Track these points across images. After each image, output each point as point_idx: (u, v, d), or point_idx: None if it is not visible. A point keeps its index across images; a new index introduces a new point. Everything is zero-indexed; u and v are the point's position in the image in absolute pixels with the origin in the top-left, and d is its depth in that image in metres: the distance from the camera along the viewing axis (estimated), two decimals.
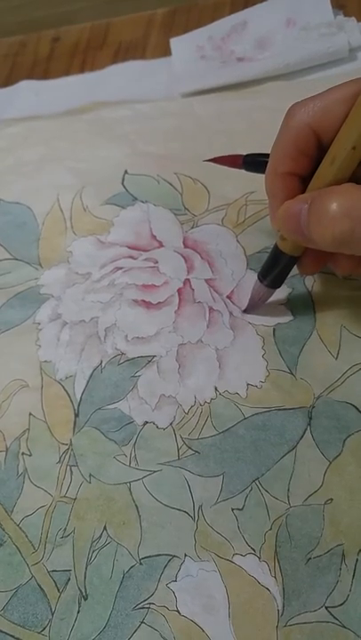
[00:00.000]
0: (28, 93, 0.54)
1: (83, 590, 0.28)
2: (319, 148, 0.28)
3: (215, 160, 0.36)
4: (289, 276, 0.34)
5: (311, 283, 0.35)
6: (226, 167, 0.37)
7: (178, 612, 0.26)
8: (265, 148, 0.42)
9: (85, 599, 0.27)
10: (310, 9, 0.48)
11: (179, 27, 0.55)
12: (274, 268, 0.31)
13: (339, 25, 0.47)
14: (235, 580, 0.27)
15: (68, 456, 0.32)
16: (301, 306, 0.34)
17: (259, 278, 0.32)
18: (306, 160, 0.28)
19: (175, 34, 0.54)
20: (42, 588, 0.28)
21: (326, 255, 0.29)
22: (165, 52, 0.53)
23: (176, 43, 0.52)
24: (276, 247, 0.30)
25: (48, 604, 0.28)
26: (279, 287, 0.32)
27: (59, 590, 0.28)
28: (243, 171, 0.36)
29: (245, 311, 0.34)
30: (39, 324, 0.37)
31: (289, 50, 0.47)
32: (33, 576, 0.28)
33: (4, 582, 0.29)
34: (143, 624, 0.26)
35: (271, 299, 0.34)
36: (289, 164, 0.28)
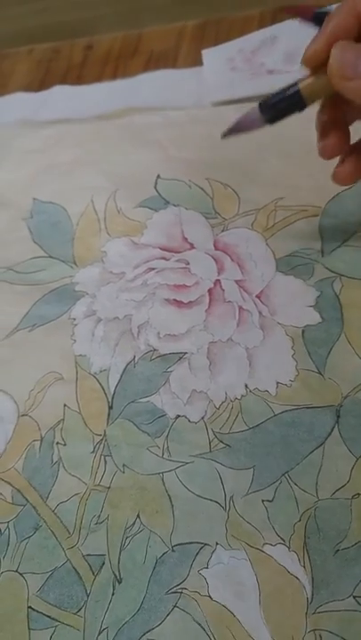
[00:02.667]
0: (62, 98, 0.55)
1: (117, 574, 0.28)
2: None
3: (287, 10, 0.34)
4: (318, 279, 0.35)
5: (339, 287, 0.35)
6: (252, 172, 0.37)
7: (210, 597, 0.27)
8: (294, 157, 0.43)
9: (120, 582, 0.28)
10: None
11: (209, 38, 0.56)
12: (280, 104, 0.31)
13: None
14: (265, 568, 0.27)
15: (102, 446, 0.32)
16: (330, 309, 0.34)
17: (260, 107, 0.31)
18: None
19: (205, 45, 0.55)
20: (77, 571, 0.29)
21: None
22: (195, 62, 0.54)
23: (208, 54, 0.53)
24: (292, 87, 0.30)
25: (83, 586, 0.28)
26: (270, 125, 0.32)
27: (93, 573, 0.28)
28: (273, 175, 0.36)
29: (225, 134, 0.34)
30: (74, 319, 0.37)
31: None
32: (68, 559, 0.29)
33: (40, 565, 0.29)
34: (176, 608, 0.27)
35: (300, 301, 0.35)
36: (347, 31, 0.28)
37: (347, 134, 0.33)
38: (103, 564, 0.29)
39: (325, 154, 0.33)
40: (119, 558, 0.29)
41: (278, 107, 0.31)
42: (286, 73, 0.48)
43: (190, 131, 0.46)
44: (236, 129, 0.33)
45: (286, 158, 0.42)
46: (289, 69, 0.49)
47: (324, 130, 0.33)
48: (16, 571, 0.29)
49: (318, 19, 0.31)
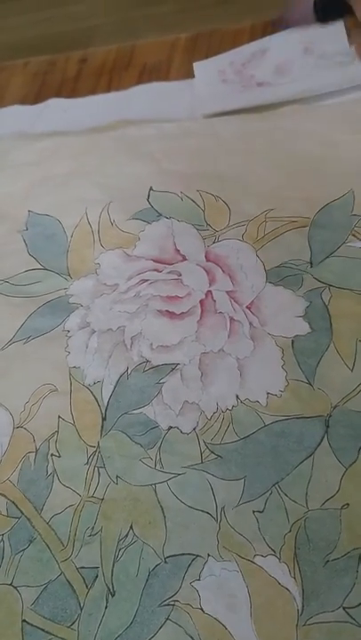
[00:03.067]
0: (57, 110, 0.55)
1: (110, 587, 0.28)
2: None
3: (274, 23, 0.30)
4: (307, 289, 0.35)
5: (328, 297, 0.35)
6: (243, 184, 0.37)
7: (202, 609, 0.27)
8: (283, 169, 0.43)
9: (113, 595, 0.28)
10: (327, 38, 0.49)
11: (201, 51, 0.57)
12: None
13: (354, 54, 0.47)
14: (256, 580, 0.27)
15: (95, 458, 0.32)
16: (319, 319, 0.35)
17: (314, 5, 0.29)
18: None
19: (197, 58, 0.55)
20: (71, 584, 0.29)
21: None
22: (188, 74, 0.54)
23: (199, 67, 0.53)
24: None
25: (77, 599, 0.28)
26: (322, 22, 0.29)
27: (87, 586, 0.28)
28: (264, 187, 0.36)
29: (274, 23, 0.30)
30: (69, 331, 0.37)
31: (307, 77, 0.48)
32: (62, 572, 0.29)
33: (35, 578, 0.29)
34: (168, 621, 0.27)
35: (290, 312, 0.35)
36: None
37: None
38: (97, 576, 0.29)
39: None
40: (112, 571, 0.29)
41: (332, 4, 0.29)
42: (276, 85, 0.49)
43: (183, 143, 0.46)
44: (288, 21, 0.30)
45: (276, 170, 0.42)
46: (278, 81, 0.49)
47: None
48: (10, 584, 0.29)
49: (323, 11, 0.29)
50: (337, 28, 0.50)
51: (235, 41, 0.56)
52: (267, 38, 0.53)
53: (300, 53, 0.50)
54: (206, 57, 0.55)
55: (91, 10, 1.49)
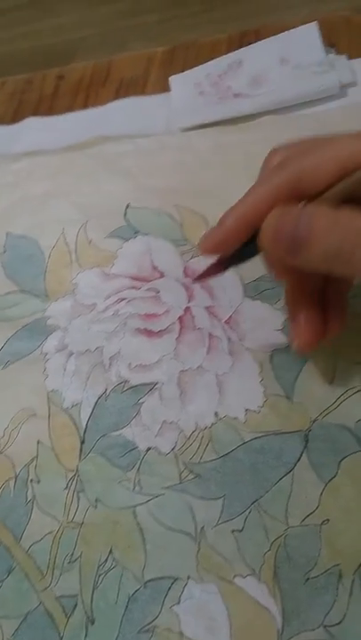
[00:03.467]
0: (34, 129, 0.55)
1: (90, 615, 0.28)
2: (300, 197, 0.26)
3: (200, 277, 0.31)
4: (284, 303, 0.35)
5: None
6: (221, 198, 0.38)
7: (181, 633, 0.27)
8: None
9: (92, 624, 0.28)
10: (303, 48, 0.50)
11: (178, 64, 0.57)
12: (239, 261, 0.29)
13: (330, 63, 0.48)
14: (236, 601, 0.27)
15: (74, 482, 0.32)
16: None
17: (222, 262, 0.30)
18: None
19: (174, 71, 0.56)
20: (50, 614, 0.29)
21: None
22: (165, 88, 0.55)
23: (175, 80, 0.53)
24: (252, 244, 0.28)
25: (56, 629, 0.28)
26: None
27: (66, 615, 0.28)
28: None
29: (195, 280, 0.32)
30: (46, 354, 0.37)
31: (283, 87, 0.48)
32: (41, 602, 0.29)
33: (14, 608, 0.29)
34: None
35: (268, 325, 0.35)
36: (264, 211, 0.26)
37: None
38: (76, 605, 0.28)
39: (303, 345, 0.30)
40: (92, 598, 0.29)
41: (236, 257, 0.29)
42: (252, 96, 0.49)
43: (160, 158, 0.46)
44: (202, 277, 0.31)
45: (253, 182, 0.42)
46: (255, 92, 0.50)
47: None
48: None
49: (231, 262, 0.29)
50: (312, 39, 0.50)
51: (212, 53, 0.57)
52: (243, 49, 0.53)
53: (277, 64, 0.51)
54: (183, 70, 0.55)
55: (77, 22, 1.50)
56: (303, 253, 0.25)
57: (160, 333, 0.37)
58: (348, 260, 0.24)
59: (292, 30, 0.52)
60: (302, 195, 0.26)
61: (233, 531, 0.29)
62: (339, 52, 0.50)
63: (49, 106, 0.58)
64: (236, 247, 0.28)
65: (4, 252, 0.44)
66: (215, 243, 0.28)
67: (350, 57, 0.50)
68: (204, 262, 0.38)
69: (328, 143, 0.26)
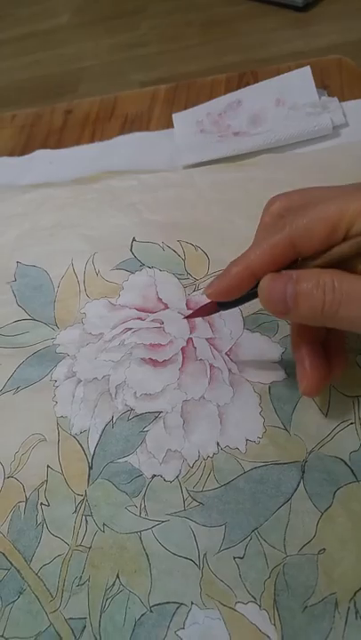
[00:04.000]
0: (43, 162, 0.56)
1: (98, 637, 0.28)
2: (296, 254, 0.28)
3: (192, 315, 0.34)
4: (282, 335, 0.36)
5: None
6: (221, 234, 0.39)
7: None
8: (258, 215, 0.44)
9: None
10: (297, 90, 0.51)
11: (180, 101, 0.58)
12: (231, 305, 0.31)
13: (323, 105, 0.49)
14: (238, 627, 0.27)
15: (83, 506, 0.32)
16: (294, 365, 0.35)
17: (218, 304, 0.32)
18: (281, 262, 0.28)
19: (177, 107, 0.57)
20: (60, 635, 0.29)
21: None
22: (168, 123, 0.55)
23: (178, 118, 0.54)
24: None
25: None
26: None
27: (75, 637, 0.28)
28: (240, 236, 0.38)
29: (186, 317, 0.35)
30: (56, 381, 0.38)
31: (279, 127, 0.49)
32: (51, 623, 0.29)
33: (25, 629, 0.29)
34: None
35: (267, 358, 0.35)
36: (266, 263, 0.28)
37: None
38: (85, 627, 0.29)
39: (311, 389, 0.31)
40: (100, 621, 0.29)
41: (234, 306, 0.32)
42: (251, 135, 0.50)
43: (163, 194, 0.47)
44: (197, 316, 0.34)
45: (252, 220, 0.42)
46: (252, 131, 0.50)
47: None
48: (2, 636, 0.29)
49: (223, 305, 0.32)
50: (306, 81, 0.51)
51: (212, 91, 0.58)
52: (242, 90, 0.54)
53: (273, 105, 0.52)
54: (185, 107, 0.56)
55: (79, 53, 1.51)
56: (292, 313, 0.27)
57: (164, 363, 0.37)
58: (332, 317, 0.26)
59: (287, 73, 0.53)
60: (299, 251, 0.28)
61: (234, 557, 0.29)
62: (331, 94, 0.51)
63: (57, 139, 0.58)
64: (239, 295, 0.30)
65: (15, 280, 0.44)
66: (221, 290, 0.30)
67: (342, 99, 0.51)
68: (205, 296, 0.39)
69: (320, 202, 0.27)
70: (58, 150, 0.56)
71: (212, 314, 0.34)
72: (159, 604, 0.29)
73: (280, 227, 0.28)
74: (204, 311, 0.33)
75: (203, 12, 1.57)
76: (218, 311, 0.33)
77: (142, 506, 0.32)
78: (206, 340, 0.38)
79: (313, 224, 0.27)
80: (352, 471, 0.31)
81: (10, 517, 0.33)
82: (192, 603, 0.28)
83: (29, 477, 0.34)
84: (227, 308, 0.32)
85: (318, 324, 0.28)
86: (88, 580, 0.30)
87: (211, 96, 0.57)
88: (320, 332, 0.32)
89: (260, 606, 0.28)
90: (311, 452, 0.32)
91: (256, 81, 0.55)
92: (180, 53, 1.34)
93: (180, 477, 0.32)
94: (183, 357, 0.37)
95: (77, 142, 0.57)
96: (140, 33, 1.47)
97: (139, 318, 0.40)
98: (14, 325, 0.42)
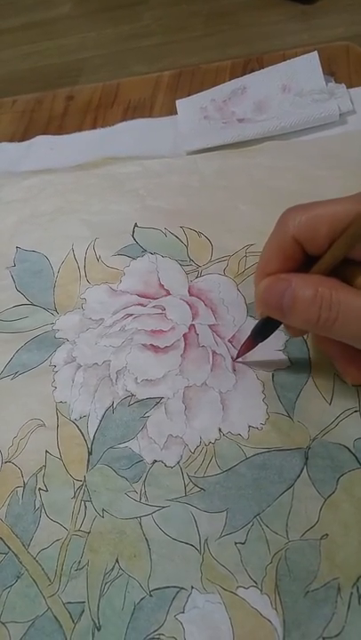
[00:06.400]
0: (44, 147, 0.56)
1: (96, 621, 0.28)
2: (305, 254, 0.29)
3: (239, 355, 0.36)
4: None
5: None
6: (225, 220, 0.39)
7: None
8: (262, 202, 0.44)
9: (99, 630, 0.28)
10: (304, 76, 0.51)
11: (183, 88, 0.58)
12: (267, 333, 0.33)
13: (330, 91, 0.49)
14: (239, 611, 0.28)
15: (82, 492, 0.33)
16: (298, 353, 0.35)
17: (252, 337, 0.34)
18: (291, 263, 0.29)
19: (180, 94, 0.57)
20: (57, 620, 0.29)
21: None
22: (171, 110, 0.56)
23: (182, 104, 0.54)
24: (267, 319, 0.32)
25: (63, 634, 0.28)
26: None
27: (73, 621, 0.29)
28: (244, 223, 0.38)
29: (235, 359, 0.36)
30: (55, 366, 0.38)
31: (285, 114, 0.49)
32: (49, 607, 0.29)
33: (22, 614, 0.29)
34: None
35: (269, 346, 0.35)
36: (276, 265, 0.29)
37: None
38: (83, 611, 0.29)
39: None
40: (98, 605, 0.29)
41: (267, 335, 0.33)
42: (255, 122, 0.50)
43: (166, 180, 0.47)
44: (242, 355, 0.35)
45: (256, 206, 0.43)
46: (258, 118, 0.51)
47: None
48: None
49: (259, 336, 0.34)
50: (313, 68, 0.52)
51: (216, 78, 0.58)
52: (247, 76, 0.54)
53: (278, 91, 0.52)
54: (189, 94, 0.56)
55: (81, 43, 1.52)
56: (289, 318, 0.28)
57: (166, 349, 0.37)
58: (329, 328, 0.27)
59: (293, 59, 0.53)
60: (306, 250, 0.29)
61: (236, 543, 0.29)
62: (338, 81, 0.52)
63: (58, 125, 0.58)
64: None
65: (14, 265, 0.44)
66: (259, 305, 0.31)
67: (349, 85, 0.51)
68: (207, 282, 0.40)
69: (327, 202, 0.28)
70: (59, 136, 0.56)
71: (254, 347, 0.35)
72: (159, 589, 0.29)
73: (283, 223, 0.28)
74: (248, 347, 0.35)
75: (207, 4, 1.57)
76: (257, 344, 0.34)
77: (142, 491, 0.32)
78: (209, 326, 0.38)
79: (315, 220, 0.27)
80: (356, 458, 0.31)
81: (7, 502, 0.33)
82: (192, 587, 0.29)
83: (27, 462, 0.35)
84: (266, 337, 0.34)
85: (313, 332, 0.30)
86: (87, 564, 0.30)
87: (215, 83, 0.57)
88: None
89: (261, 591, 0.28)
90: (315, 439, 0.32)
91: (261, 67, 0.55)
92: (183, 45, 1.34)
93: (181, 463, 0.33)
94: (185, 344, 0.37)
95: (79, 129, 0.57)
96: (143, 24, 1.48)
97: (140, 304, 0.40)
98: (13, 310, 0.42)
